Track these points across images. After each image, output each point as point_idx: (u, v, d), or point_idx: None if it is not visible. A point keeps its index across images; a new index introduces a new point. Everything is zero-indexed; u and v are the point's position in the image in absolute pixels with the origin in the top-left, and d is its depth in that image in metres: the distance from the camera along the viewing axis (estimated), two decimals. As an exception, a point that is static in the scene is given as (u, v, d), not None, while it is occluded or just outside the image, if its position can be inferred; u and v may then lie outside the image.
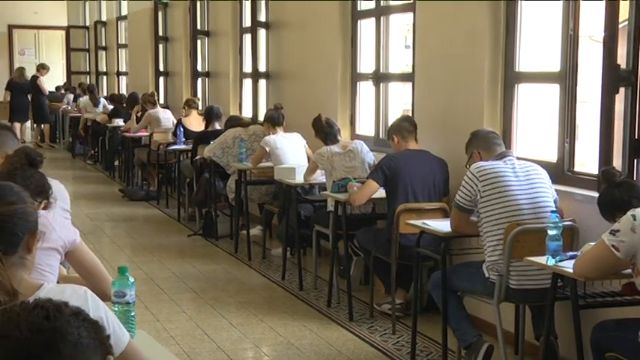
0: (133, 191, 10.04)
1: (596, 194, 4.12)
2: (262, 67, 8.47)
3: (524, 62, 4.91)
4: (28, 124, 15.91)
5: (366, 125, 6.78)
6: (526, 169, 4.15)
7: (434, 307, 4.79)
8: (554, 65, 4.59)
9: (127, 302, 2.48)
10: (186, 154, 8.69)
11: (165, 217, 8.85)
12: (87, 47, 17.45)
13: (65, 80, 17.95)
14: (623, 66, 3.93)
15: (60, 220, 2.72)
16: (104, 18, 16.16)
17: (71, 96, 15.58)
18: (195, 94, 10.53)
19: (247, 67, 9.01)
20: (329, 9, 6.92)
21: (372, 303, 5.32)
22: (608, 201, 3.49)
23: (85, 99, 14.07)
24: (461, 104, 5.21)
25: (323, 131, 6.00)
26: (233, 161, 7.24)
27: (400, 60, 6.74)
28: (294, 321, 5.19)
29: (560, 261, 3.49)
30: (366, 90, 6.77)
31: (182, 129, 8.96)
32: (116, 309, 2.47)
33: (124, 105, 11.85)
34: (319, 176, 6.03)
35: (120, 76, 15.21)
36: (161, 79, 12.28)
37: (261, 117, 8.08)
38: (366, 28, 6.70)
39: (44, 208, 2.75)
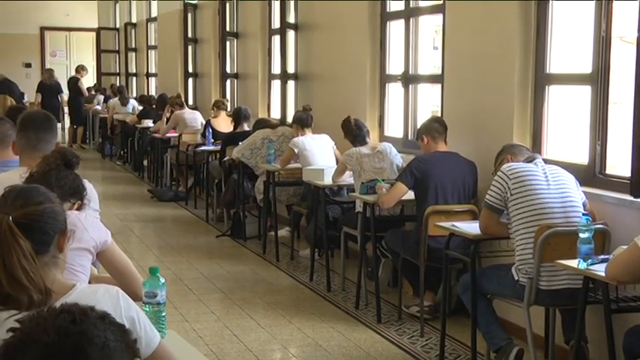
0: (162, 192, 10.11)
1: (628, 197, 4.09)
2: (291, 69, 8.48)
3: (555, 63, 4.87)
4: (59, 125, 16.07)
5: (394, 127, 6.76)
6: (554, 172, 4.12)
7: (462, 310, 4.77)
8: (586, 67, 4.55)
9: (157, 303, 2.49)
10: (215, 155, 8.73)
11: (194, 217, 8.90)
12: (117, 49, 17.60)
13: (95, 81, 18.12)
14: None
15: (92, 221, 2.75)
16: (134, 20, 16.29)
17: (101, 97, 15.73)
18: (224, 95, 10.58)
19: (276, 69, 9.03)
20: (358, 10, 6.91)
21: (400, 305, 5.31)
22: None
23: (114, 100, 14.22)
24: (490, 106, 5.18)
25: (352, 133, 6.00)
26: (261, 162, 7.26)
27: (428, 61, 6.72)
28: (322, 322, 5.19)
29: (592, 264, 3.46)
30: (394, 91, 6.75)
31: (211, 130, 9.01)
32: (147, 309, 2.49)
33: (154, 106, 11.94)
34: (347, 177, 6.03)
35: (149, 78, 15.32)
36: (190, 81, 12.35)
37: (289, 118, 8.10)
38: (396, 29, 6.69)
39: (78, 209, 2.77)
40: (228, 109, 9.61)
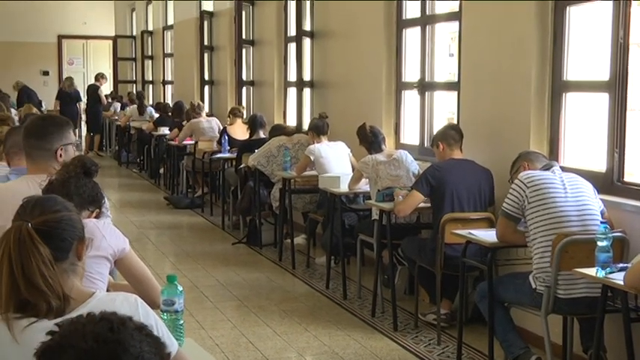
0: (178, 199, 10.14)
1: (646, 205, 4.06)
2: (307, 76, 8.50)
3: (572, 71, 4.85)
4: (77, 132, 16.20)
5: (410, 134, 6.75)
6: (572, 180, 4.10)
7: (479, 318, 4.75)
8: (604, 73, 4.53)
9: (175, 310, 2.50)
10: (231, 163, 8.75)
11: (210, 225, 8.92)
12: (133, 56, 17.71)
13: (112, 89, 18.23)
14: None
15: (110, 229, 2.76)
16: (150, 27, 16.38)
17: (118, 105, 15.82)
18: (240, 102, 10.60)
19: (292, 76, 9.05)
20: (374, 17, 6.91)
21: (416, 313, 5.29)
22: None
23: (132, 107, 14.30)
24: (507, 113, 5.16)
25: (367, 140, 5.99)
26: (277, 170, 7.27)
27: (444, 68, 6.71)
28: (338, 330, 5.18)
29: (610, 273, 3.43)
30: (410, 99, 6.74)
31: (227, 137, 9.03)
32: (165, 317, 2.49)
33: (169, 114, 11.98)
34: (363, 185, 6.03)
35: (165, 85, 15.40)
36: (206, 88, 12.39)
37: (305, 126, 8.10)
38: (412, 36, 6.68)
39: (96, 217, 2.78)
40: (244, 116, 9.63)
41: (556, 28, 4.84)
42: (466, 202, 4.99)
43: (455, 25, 5.90)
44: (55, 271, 1.89)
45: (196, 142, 9.85)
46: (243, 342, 4.96)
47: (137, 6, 17.42)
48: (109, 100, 16.39)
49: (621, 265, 3.50)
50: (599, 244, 3.50)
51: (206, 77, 12.30)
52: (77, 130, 16.00)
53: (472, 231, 4.51)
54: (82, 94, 16.06)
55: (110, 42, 19.31)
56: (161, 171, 12.05)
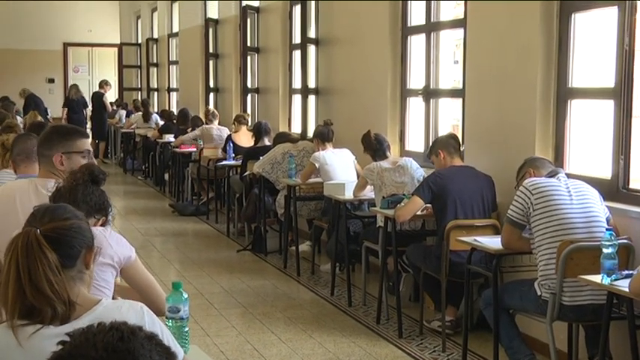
0: (183, 206, 10.15)
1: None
2: (312, 83, 8.51)
3: (578, 78, 4.85)
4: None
5: (415, 141, 6.76)
6: (577, 187, 4.09)
7: (484, 325, 4.74)
8: (609, 80, 4.53)
9: (180, 318, 2.50)
10: (236, 170, 8.76)
11: (215, 232, 8.92)
12: (139, 64, 17.75)
13: (117, 96, 18.28)
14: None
15: (116, 237, 2.76)
16: (156, 35, 16.42)
17: (123, 112, 15.86)
18: (244, 110, 10.62)
19: (297, 83, 9.06)
20: (379, 25, 6.92)
21: (421, 320, 5.29)
22: None
23: (137, 115, 14.34)
24: (512, 120, 5.16)
25: (372, 147, 6.00)
26: (282, 177, 7.27)
27: (448, 75, 6.71)
28: (343, 337, 5.18)
29: (616, 280, 3.43)
30: (415, 106, 6.75)
31: (232, 145, 9.04)
32: (170, 324, 2.49)
33: (175, 121, 12.00)
34: (368, 192, 6.03)
35: (170, 92, 15.43)
36: (211, 95, 12.41)
37: (310, 133, 8.11)
38: (416, 43, 6.69)
39: (102, 225, 2.79)
40: (249, 124, 9.65)
41: (561, 35, 4.84)
42: (469, 208, 4.98)
43: (460, 32, 5.91)
44: (62, 278, 1.90)
45: (201, 150, 9.87)
46: (248, 349, 4.96)
47: (142, 13, 17.48)
48: (114, 108, 16.44)
49: (627, 272, 3.49)
50: (605, 250, 3.49)
51: (211, 85, 12.32)
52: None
53: (477, 238, 4.51)
54: (87, 101, 16.11)
55: (115, 49, 19.36)
56: (166, 178, 12.06)
